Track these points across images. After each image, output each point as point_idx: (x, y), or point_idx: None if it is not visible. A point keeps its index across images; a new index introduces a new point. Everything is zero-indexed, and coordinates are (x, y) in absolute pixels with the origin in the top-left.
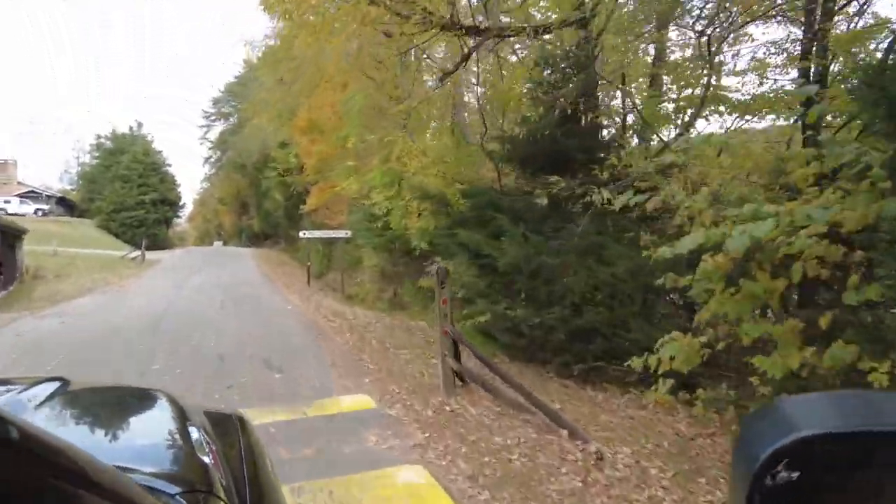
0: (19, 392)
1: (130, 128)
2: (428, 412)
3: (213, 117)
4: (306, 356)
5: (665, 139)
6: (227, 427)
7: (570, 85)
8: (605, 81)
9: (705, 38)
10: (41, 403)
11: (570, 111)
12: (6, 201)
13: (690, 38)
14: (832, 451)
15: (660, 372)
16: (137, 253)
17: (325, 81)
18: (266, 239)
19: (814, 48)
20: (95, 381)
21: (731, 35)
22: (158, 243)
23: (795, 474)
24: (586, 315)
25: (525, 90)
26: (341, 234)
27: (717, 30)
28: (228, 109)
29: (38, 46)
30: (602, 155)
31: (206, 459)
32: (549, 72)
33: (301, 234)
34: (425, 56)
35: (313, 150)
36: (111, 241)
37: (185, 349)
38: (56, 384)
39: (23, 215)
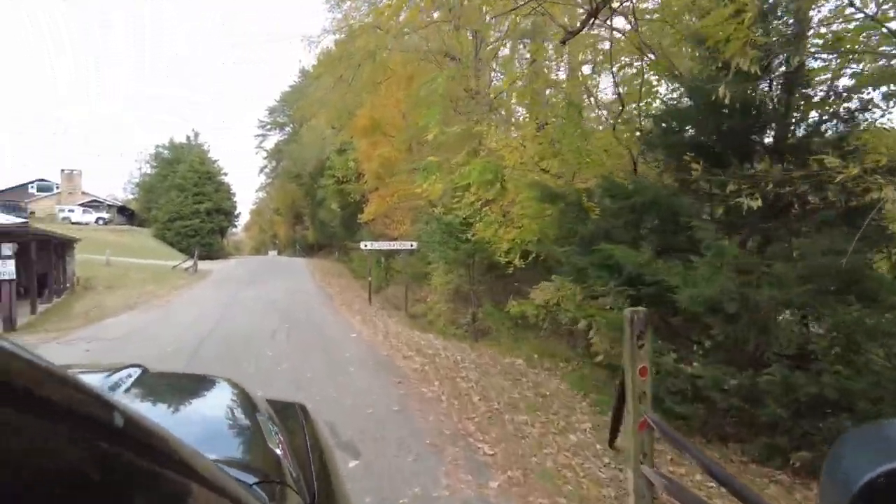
0: (105, 377)
1: (188, 137)
2: None
3: (268, 127)
4: (389, 422)
5: None
6: (292, 417)
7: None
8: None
9: None
10: (127, 389)
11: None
12: (70, 210)
13: None
14: None
15: None
16: (190, 263)
17: (387, 78)
18: (320, 249)
19: None
20: (169, 369)
21: None
22: (213, 253)
23: None
24: (826, 378)
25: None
26: (406, 245)
27: None
28: (283, 119)
29: (38, 46)
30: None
31: (277, 450)
32: None
33: (362, 245)
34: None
35: (375, 153)
36: (166, 251)
37: None
38: (138, 370)
39: (85, 224)
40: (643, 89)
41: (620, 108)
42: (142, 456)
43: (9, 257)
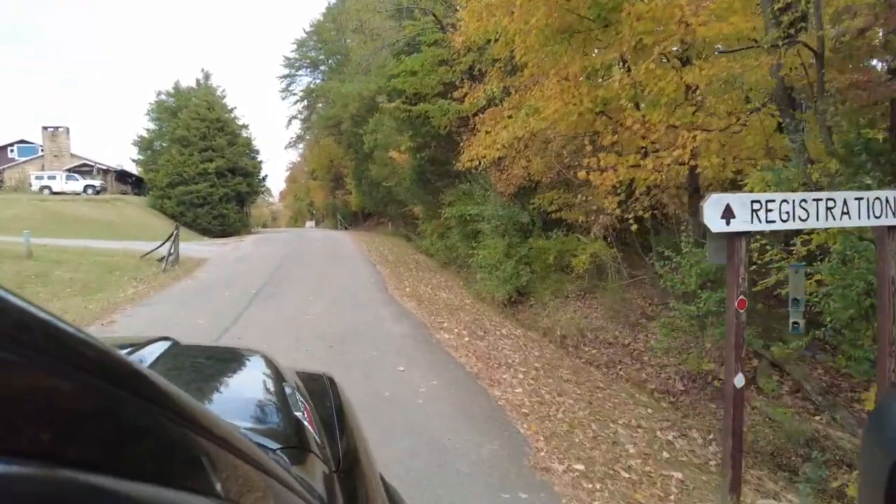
0: (136, 351)
1: (197, 80)
2: None
3: (296, 65)
4: None
5: None
6: (319, 387)
7: None
8: None
9: None
10: (155, 361)
11: None
12: (50, 177)
13: None
14: None
15: None
16: (167, 250)
17: None
18: (366, 219)
19: None
20: (198, 342)
21: None
22: (229, 227)
23: None
24: None
25: None
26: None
27: None
28: (316, 55)
29: None
30: None
31: (301, 417)
32: None
33: (707, 221)
34: None
35: None
36: (160, 227)
37: None
38: (167, 343)
39: (76, 193)
40: None
41: None
42: (152, 411)
43: None
